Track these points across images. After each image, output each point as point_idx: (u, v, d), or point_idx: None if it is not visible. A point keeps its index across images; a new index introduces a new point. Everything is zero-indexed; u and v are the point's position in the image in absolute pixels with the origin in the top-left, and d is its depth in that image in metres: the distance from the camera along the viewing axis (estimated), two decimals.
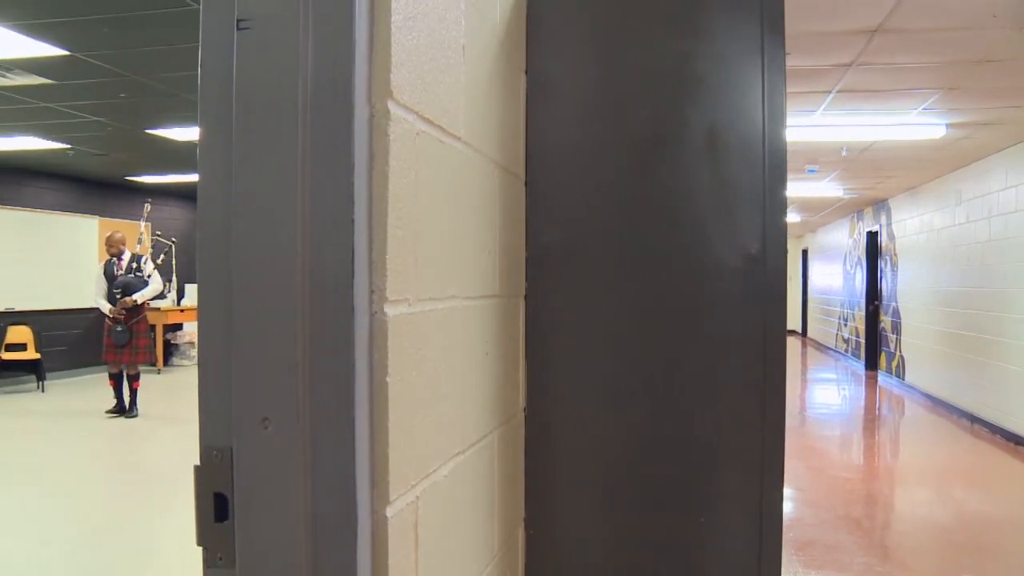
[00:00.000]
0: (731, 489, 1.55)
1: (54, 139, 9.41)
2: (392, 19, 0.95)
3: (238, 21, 0.92)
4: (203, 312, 0.94)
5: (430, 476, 1.10)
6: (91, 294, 9.67)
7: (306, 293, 0.89)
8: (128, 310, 9.18)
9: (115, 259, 9.42)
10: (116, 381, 9.48)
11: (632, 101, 1.58)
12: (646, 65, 1.57)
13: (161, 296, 10.78)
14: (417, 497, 1.05)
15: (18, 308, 11.32)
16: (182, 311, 13.89)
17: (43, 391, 11.32)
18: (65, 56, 5.96)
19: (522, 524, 1.62)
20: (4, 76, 6.51)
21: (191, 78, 6.42)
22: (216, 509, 0.95)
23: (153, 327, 13.08)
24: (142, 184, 13.55)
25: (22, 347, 11.58)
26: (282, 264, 0.89)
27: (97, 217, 13.24)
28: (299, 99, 0.90)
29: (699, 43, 1.56)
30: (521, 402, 1.59)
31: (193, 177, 11.06)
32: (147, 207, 11.15)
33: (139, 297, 9.26)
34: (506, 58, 1.49)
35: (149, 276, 9.47)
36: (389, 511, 0.96)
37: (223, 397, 0.93)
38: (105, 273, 9.39)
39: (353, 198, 0.89)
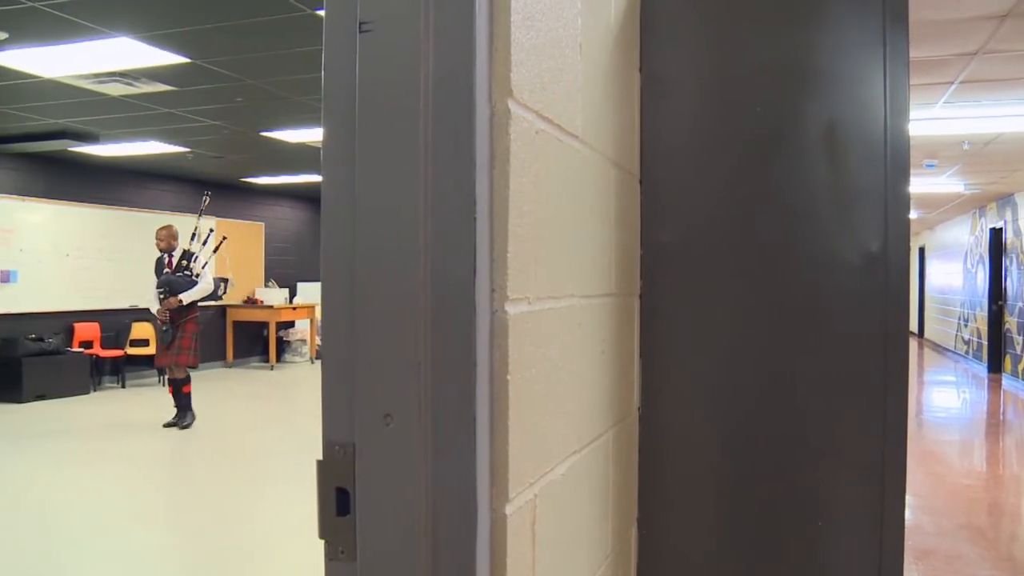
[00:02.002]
0: (850, 494, 1.50)
1: (175, 143, 9.80)
2: (511, 19, 0.96)
3: (360, 24, 0.93)
4: (327, 309, 0.96)
5: (547, 475, 1.10)
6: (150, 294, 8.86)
7: (429, 291, 0.90)
8: (175, 311, 8.53)
9: (166, 255, 8.78)
10: (174, 388, 8.84)
11: (748, 96, 1.54)
12: (762, 59, 1.54)
13: (213, 296, 9.74)
14: (535, 495, 1.05)
15: (142, 305, 11.43)
16: (294, 309, 14.28)
17: (164, 385, 11.79)
18: (186, 64, 6.19)
19: (635, 524, 1.60)
20: (131, 85, 6.81)
21: (304, 81, 6.60)
22: (338, 503, 0.97)
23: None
24: (256, 185, 13.98)
25: (144, 343, 12.09)
26: (405, 262, 0.90)
27: (213, 218, 13.71)
28: (421, 99, 0.90)
29: (817, 35, 1.52)
30: (635, 401, 1.58)
31: (305, 178, 11.39)
32: (205, 199, 9.99)
33: (185, 298, 8.55)
34: (621, 55, 1.48)
35: (198, 275, 8.73)
36: (508, 509, 0.96)
37: (346, 393, 0.95)
38: (156, 271, 8.78)
39: (475, 197, 0.89)
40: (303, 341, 14.69)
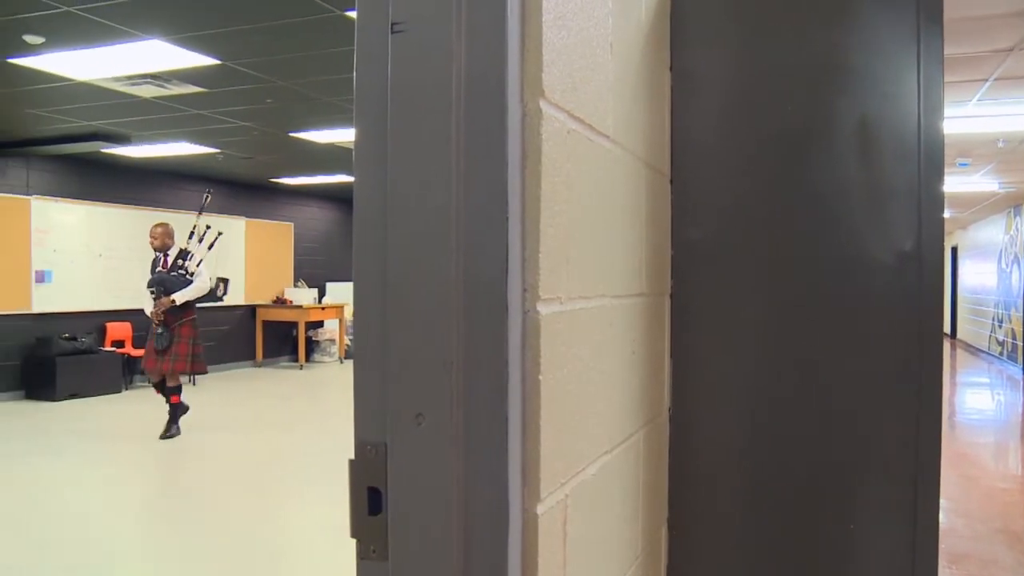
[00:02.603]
0: (882, 497, 1.49)
1: (205, 144, 9.88)
2: (543, 19, 0.96)
3: (392, 24, 0.94)
4: (359, 309, 0.97)
5: (579, 475, 1.10)
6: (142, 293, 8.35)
7: (461, 291, 0.90)
8: (169, 312, 7.98)
9: (160, 254, 8.26)
10: (161, 391, 8.31)
11: (779, 95, 1.53)
12: (793, 58, 1.53)
13: (211, 297, 8.97)
14: (566, 495, 1.05)
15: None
16: (323, 309, 14.36)
17: (194, 384, 11.89)
18: (217, 65, 6.25)
19: (665, 524, 1.60)
20: (163, 86, 6.88)
21: (333, 82, 6.64)
22: (370, 503, 0.97)
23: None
24: (285, 186, 14.08)
25: None
26: (438, 262, 0.91)
27: (243, 218, 13.83)
28: (453, 99, 0.91)
29: (849, 33, 1.51)
30: (666, 401, 1.57)
31: (334, 178, 11.44)
32: (207, 196, 9.17)
33: (178, 298, 7.99)
34: (651, 55, 1.47)
35: (192, 274, 8.18)
36: (539, 509, 0.96)
37: (378, 393, 0.95)
38: (151, 271, 8.26)
39: (507, 197, 0.89)
40: (332, 341, 14.77)
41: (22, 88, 7.02)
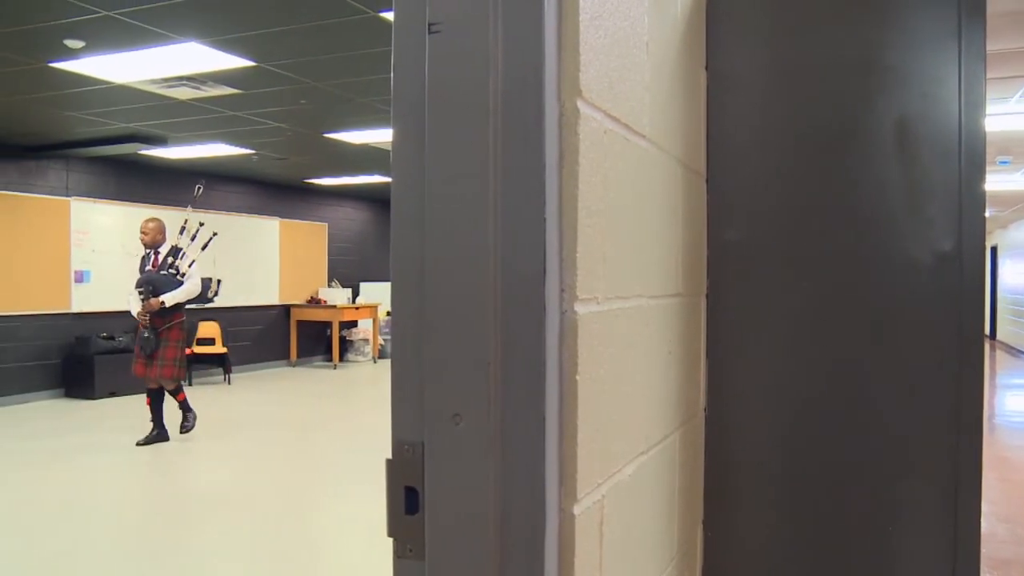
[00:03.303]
0: (922, 499, 1.47)
1: (240, 145, 9.97)
2: (580, 18, 0.95)
3: (429, 25, 0.94)
4: (396, 309, 0.97)
5: (615, 475, 1.10)
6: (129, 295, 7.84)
7: (499, 291, 0.90)
8: (156, 314, 7.47)
9: (152, 252, 7.74)
10: (152, 399, 7.77)
11: (816, 94, 1.52)
12: (830, 56, 1.52)
13: (203, 299, 8.36)
14: (603, 496, 1.05)
15: (208, 304, 11.49)
16: (357, 309, 14.42)
17: (229, 383, 12.01)
18: (252, 67, 6.30)
19: (700, 525, 1.59)
20: (199, 88, 6.95)
21: (367, 83, 6.67)
22: (406, 502, 0.97)
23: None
24: (319, 186, 14.17)
25: (211, 341, 12.33)
26: (475, 262, 0.91)
27: (277, 218, 13.93)
28: (490, 99, 0.91)
29: (888, 30, 1.49)
30: (702, 402, 1.57)
31: (368, 179, 11.49)
32: (198, 188, 8.65)
33: (168, 299, 7.46)
34: (687, 54, 1.47)
35: (183, 274, 7.68)
36: (576, 509, 0.96)
37: (415, 393, 0.95)
38: (140, 269, 7.75)
39: (545, 197, 0.89)
40: (366, 340, 14.84)
41: (63, 91, 7.13)
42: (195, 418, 7.99)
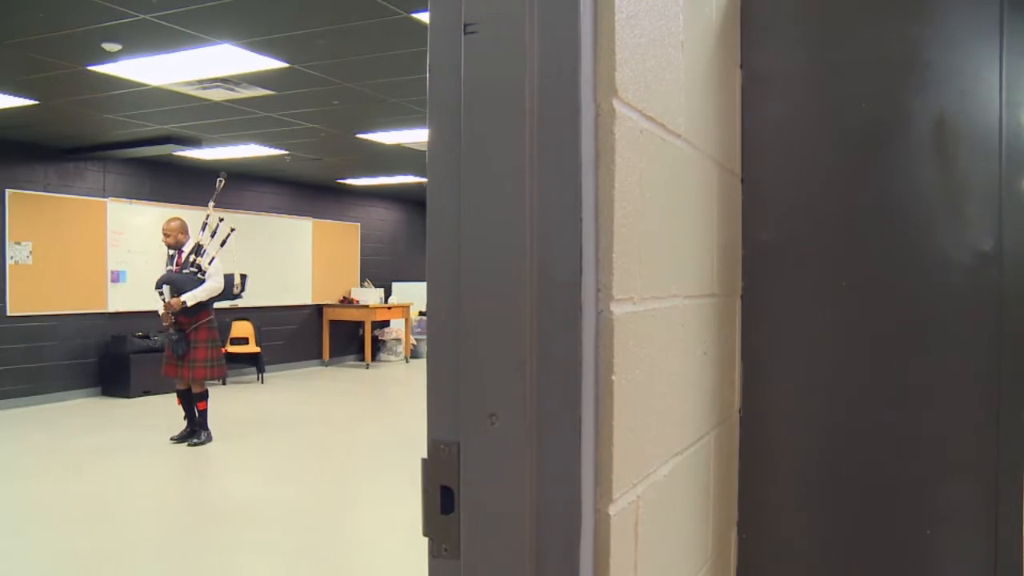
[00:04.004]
0: (962, 502, 1.45)
1: (273, 146, 10.05)
2: (616, 17, 0.95)
3: (465, 26, 0.94)
4: (433, 309, 0.97)
5: (650, 476, 1.10)
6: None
7: (535, 291, 0.90)
8: (181, 314, 7.40)
9: (175, 251, 7.63)
10: (183, 399, 7.74)
11: (853, 91, 1.51)
12: (867, 54, 1.50)
13: (228, 296, 8.10)
14: (638, 496, 1.05)
15: (241, 304, 11.52)
16: (389, 308, 14.49)
17: (262, 382, 12.10)
18: (285, 68, 6.35)
19: (735, 527, 1.58)
20: (233, 90, 7.01)
21: (400, 84, 6.70)
22: (442, 501, 0.97)
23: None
24: (352, 187, 14.25)
25: (244, 341, 12.43)
26: (512, 262, 0.91)
27: (310, 219, 14.02)
28: (526, 99, 0.91)
29: (927, 27, 1.47)
30: (736, 403, 1.56)
31: (400, 179, 11.53)
32: (220, 181, 8.13)
33: (189, 299, 7.35)
34: (722, 52, 1.46)
35: (205, 272, 7.53)
36: (612, 509, 0.96)
37: (451, 392, 0.95)
38: (166, 268, 7.66)
39: (581, 197, 0.89)
40: (398, 340, 14.89)
41: (100, 94, 7.22)
42: (209, 438, 7.77)
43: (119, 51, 5.87)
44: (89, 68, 6.33)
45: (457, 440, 0.95)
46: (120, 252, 11.03)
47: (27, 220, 9.89)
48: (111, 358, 10.63)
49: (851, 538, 1.50)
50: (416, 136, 9.21)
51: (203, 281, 7.47)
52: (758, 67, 1.55)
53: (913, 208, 1.47)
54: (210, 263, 7.58)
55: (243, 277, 8.21)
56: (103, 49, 5.82)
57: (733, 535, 1.58)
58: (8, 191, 9.71)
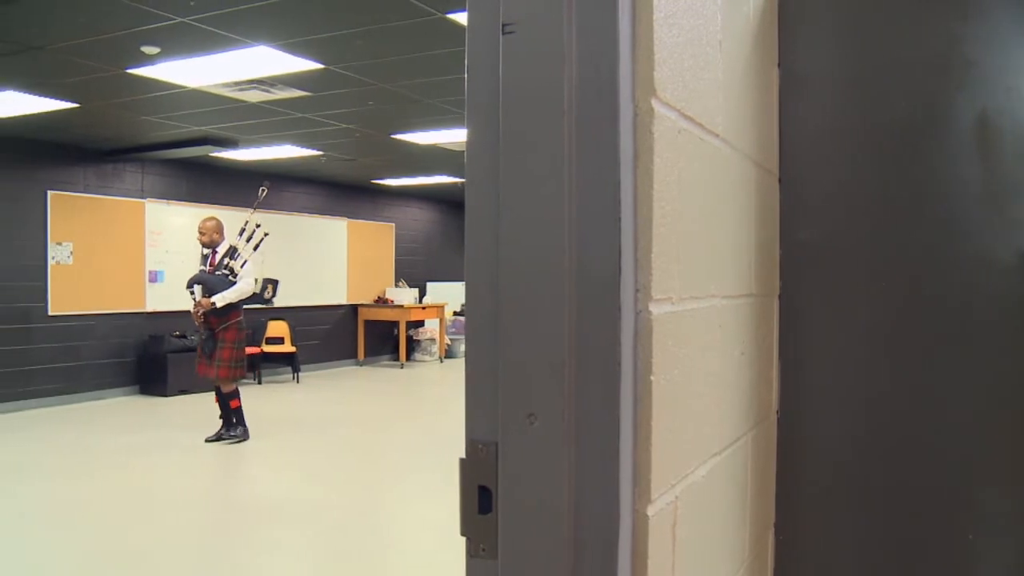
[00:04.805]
0: (1004, 506, 1.43)
1: (308, 147, 10.12)
2: (654, 17, 0.95)
3: (503, 26, 0.94)
4: (471, 309, 0.98)
5: (688, 477, 1.09)
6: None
7: (573, 292, 0.90)
8: (211, 314, 7.47)
9: (209, 251, 7.73)
10: (220, 398, 7.88)
11: (892, 91, 1.49)
12: (907, 52, 1.48)
13: (259, 299, 8.15)
14: (676, 497, 1.04)
15: (277, 304, 11.58)
16: (424, 308, 14.54)
17: (298, 382, 12.19)
18: (320, 69, 6.39)
19: (772, 528, 1.57)
20: (268, 91, 7.07)
21: (435, 84, 6.72)
22: (480, 501, 0.97)
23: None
24: (387, 187, 14.32)
25: (280, 340, 12.53)
26: (550, 262, 0.91)
27: (345, 219, 14.10)
28: (565, 99, 0.91)
29: (969, 24, 1.45)
30: (774, 403, 1.55)
31: (435, 179, 11.56)
32: (263, 191, 8.30)
33: (218, 300, 7.41)
34: (759, 51, 1.45)
35: (236, 274, 7.60)
36: (650, 510, 0.95)
37: (489, 392, 0.96)
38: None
39: (620, 197, 0.89)
40: (432, 340, 14.94)
41: (139, 96, 7.32)
42: (243, 435, 7.86)
43: (157, 54, 5.94)
44: (128, 71, 6.41)
45: (495, 440, 0.95)
46: (158, 252, 11.16)
47: (68, 221, 10.05)
48: (148, 357, 10.76)
49: (890, 541, 1.48)
50: (451, 136, 9.24)
51: (234, 283, 7.55)
52: (796, 65, 1.54)
53: (954, 208, 1.45)
54: (242, 266, 7.65)
55: (274, 283, 8.23)
56: (142, 52, 5.89)
57: (770, 536, 1.57)
58: (50, 192, 9.86)
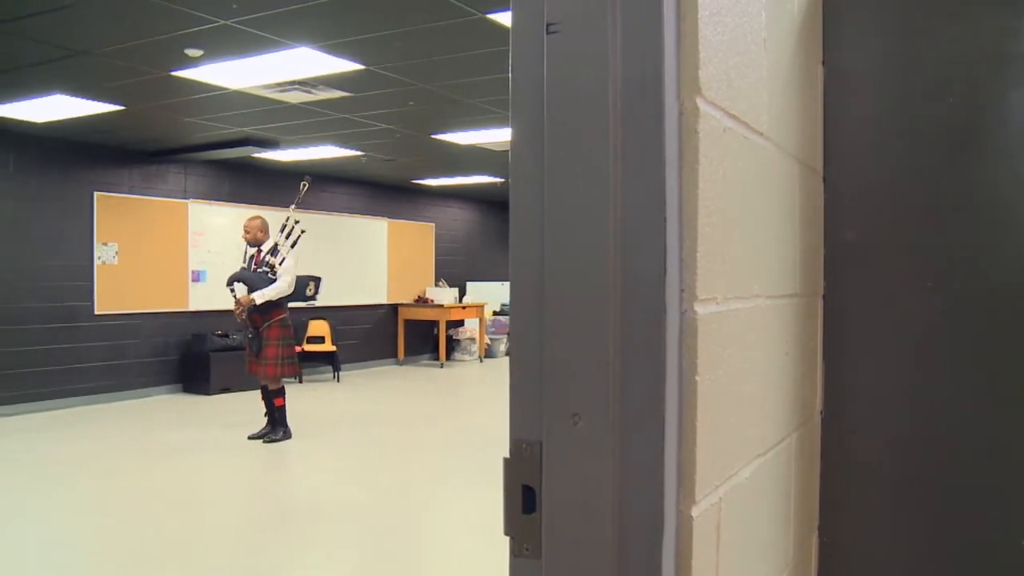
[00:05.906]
0: None
1: (349, 147, 10.19)
2: (699, 15, 0.94)
3: (547, 25, 0.94)
4: (515, 309, 0.98)
5: (732, 477, 1.09)
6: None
7: (619, 291, 0.90)
8: (254, 312, 7.51)
9: (254, 249, 7.76)
10: (266, 396, 7.91)
11: (940, 88, 1.47)
12: (957, 47, 1.46)
13: (301, 297, 8.14)
14: (720, 498, 1.04)
15: (317, 303, 11.47)
16: (463, 308, 14.56)
17: (338, 381, 12.27)
18: (361, 70, 6.43)
19: (816, 531, 1.56)
20: (309, 92, 7.13)
21: (474, 84, 6.73)
22: (524, 501, 0.98)
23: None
24: (427, 187, 14.37)
25: (320, 340, 12.62)
26: (595, 262, 0.91)
27: (385, 219, 14.17)
28: (609, 98, 0.91)
29: (1017, 18, 1.43)
30: (818, 404, 1.53)
31: (475, 179, 11.58)
32: (304, 186, 8.19)
33: (257, 297, 7.42)
34: (804, 49, 1.44)
35: (276, 271, 7.59)
36: (694, 511, 0.95)
37: (534, 392, 0.96)
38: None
39: (665, 196, 0.89)
40: (472, 340, 14.96)
41: (182, 98, 7.41)
42: (287, 435, 7.87)
43: (201, 56, 6.01)
44: (172, 73, 6.50)
45: (540, 440, 0.95)
46: (200, 252, 11.30)
47: (113, 221, 10.20)
48: (192, 356, 10.89)
49: (937, 545, 1.46)
50: (492, 136, 9.25)
51: (274, 280, 7.55)
52: (840, 63, 1.52)
53: (1002, 207, 1.42)
54: (281, 263, 7.65)
55: (316, 281, 8.29)
56: (186, 55, 5.97)
57: (814, 539, 1.55)
58: (96, 193, 10.02)
